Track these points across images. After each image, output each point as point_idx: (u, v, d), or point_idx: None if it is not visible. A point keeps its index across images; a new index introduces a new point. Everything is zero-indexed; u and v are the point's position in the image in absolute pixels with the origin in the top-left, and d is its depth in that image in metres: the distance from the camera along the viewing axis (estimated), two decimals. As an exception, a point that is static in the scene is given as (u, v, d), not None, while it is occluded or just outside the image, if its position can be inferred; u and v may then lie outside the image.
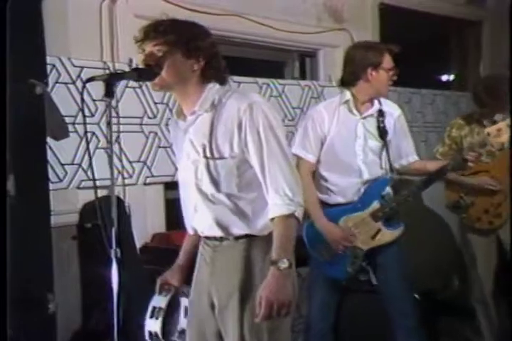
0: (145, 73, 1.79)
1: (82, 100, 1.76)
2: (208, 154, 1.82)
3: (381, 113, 2.76)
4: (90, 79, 1.69)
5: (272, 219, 1.78)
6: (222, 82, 1.90)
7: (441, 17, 5.03)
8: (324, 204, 2.78)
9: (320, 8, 4.26)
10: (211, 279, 1.92)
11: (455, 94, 5.17)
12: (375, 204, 2.73)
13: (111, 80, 1.67)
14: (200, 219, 1.91)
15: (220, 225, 1.86)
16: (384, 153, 2.76)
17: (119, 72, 1.83)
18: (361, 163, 2.74)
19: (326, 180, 2.77)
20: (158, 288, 2.06)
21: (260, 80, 3.89)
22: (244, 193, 1.83)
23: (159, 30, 1.80)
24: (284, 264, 1.72)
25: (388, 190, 2.77)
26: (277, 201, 1.77)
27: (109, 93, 1.65)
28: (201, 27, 1.88)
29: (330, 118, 2.74)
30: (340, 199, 2.76)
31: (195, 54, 1.81)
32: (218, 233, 1.88)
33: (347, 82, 2.78)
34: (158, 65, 1.79)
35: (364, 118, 2.75)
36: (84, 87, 1.65)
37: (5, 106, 2.01)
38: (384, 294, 2.81)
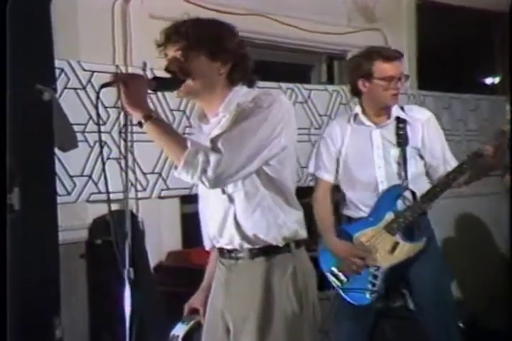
0: (165, 82, 1.80)
1: (97, 107, 1.77)
2: None
3: (400, 120, 2.76)
4: (106, 85, 1.70)
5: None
6: (250, 84, 1.91)
7: (484, 11, 4.98)
8: (347, 219, 2.85)
9: (350, 6, 4.27)
10: (226, 301, 1.93)
11: (501, 99, 5.12)
12: (389, 216, 2.73)
13: None
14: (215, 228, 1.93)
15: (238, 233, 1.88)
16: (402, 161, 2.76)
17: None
18: (381, 175, 2.75)
19: (346, 196, 2.86)
20: (184, 315, 2.07)
21: (284, 85, 3.91)
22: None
23: (181, 32, 1.81)
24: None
25: (404, 199, 2.75)
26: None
27: None
28: (227, 25, 1.89)
29: (342, 132, 2.82)
30: (360, 214, 2.81)
31: (222, 56, 1.82)
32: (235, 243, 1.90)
33: (352, 93, 2.85)
34: (182, 71, 1.80)
35: (381, 127, 2.77)
36: (98, 93, 1.66)
37: (5, 113, 2.04)
38: (422, 320, 2.78)
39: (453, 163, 2.79)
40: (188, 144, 1.72)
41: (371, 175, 2.76)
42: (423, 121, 2.80)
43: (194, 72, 1.81)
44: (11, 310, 1.96)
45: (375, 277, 2.71)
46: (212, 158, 1.69)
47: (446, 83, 4.85)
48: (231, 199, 1.86)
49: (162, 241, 3.45)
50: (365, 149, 2.78)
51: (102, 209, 3.04)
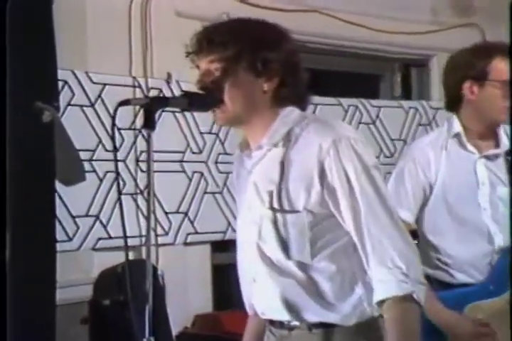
0: (199, 100, 1.82)
1: (113, 131, 1.81)
2: (276, 205, 1.84)
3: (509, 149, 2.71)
4: (124, 103, 1.71)
5: (381, 303, 1.78)
6: (302, 105, 1.92)
7: None
8: (437, 284, 2.72)
9: (436, -4, 4.28)
10: None
11: None
12: None
13: (152, 106, 1.68)
14: (260, 294, 1.93)
15: (288, 305, 1.87)
16: None
17: (161, 95, 1.88)
18: (490, 222, 2.67)
19: (436, 249, 2.72)
20: None
21: (346, 101, 3.93)
22: (320, 263, 1.84)
23: (215, 40, 1.82)
24: None
25: None
26: (384, 276, 1.77)
27: (150, 123, 1.66)
28: (275, 29, 1.90)
29: (437, 158, 2.70)
30: (462, 278, 2.68)
31: (266, 69, 1.83)
32: (284, 316, 1.89)
33: (449, 104, 2.76)
34: (217, 89, 1.83)
35: (486, 156, 2.71)
36: (115, 114, 1.68)
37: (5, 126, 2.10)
38: None
39: None
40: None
41: (479, 220, 2.66)
42: None
43: (232, 92, 1.83)
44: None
45: None
46: (404, 266, 1.77)
47: None
48: (285, 273, 1.86)
49: (188, 300, 3.45)
50: (467, 183, 2.66)
51: (110, 260, 3.07)
